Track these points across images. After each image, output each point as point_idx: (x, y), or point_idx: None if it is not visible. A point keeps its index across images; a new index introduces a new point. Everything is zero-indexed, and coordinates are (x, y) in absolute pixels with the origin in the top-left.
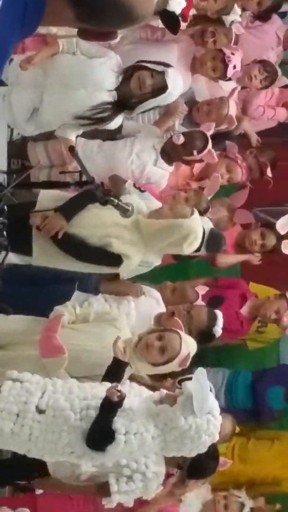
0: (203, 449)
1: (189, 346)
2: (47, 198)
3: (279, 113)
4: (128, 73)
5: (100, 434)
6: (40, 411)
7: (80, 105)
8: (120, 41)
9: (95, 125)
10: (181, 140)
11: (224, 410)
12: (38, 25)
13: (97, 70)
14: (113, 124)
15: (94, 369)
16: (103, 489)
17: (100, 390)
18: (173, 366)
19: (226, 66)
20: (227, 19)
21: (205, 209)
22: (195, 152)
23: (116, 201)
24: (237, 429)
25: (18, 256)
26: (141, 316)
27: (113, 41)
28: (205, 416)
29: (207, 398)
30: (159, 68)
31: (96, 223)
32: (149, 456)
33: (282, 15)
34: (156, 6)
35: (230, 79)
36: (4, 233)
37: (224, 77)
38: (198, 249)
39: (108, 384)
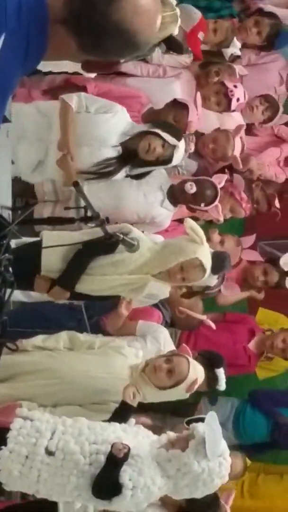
0: (213, 491)
1: (197, 371)
2: (52, 239)
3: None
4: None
5: (106, 486)
6: (50, 453)
7: (84, 162)
8: (121, 79)
9: (100, 178)
10: (193, 189)
11: (233, 444)
12: (41, 59)
13: (101, 127)
14: (118, 176)
15: (102, 395)
16: None
17: (110, 432)
18: (180, 391)
19: (229, 100)
20: (227, 52)
21: None
22: (202, 204)
23: (122, 236)
24: (249, 462)
25: (24, 294)
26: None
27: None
28: (217, 459)
29: (219, 442)
30: (172, 140)
31: (103, 288)
32: (154, 502)
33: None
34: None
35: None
36: (10, 269)
37: (228, 110)
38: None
39: (117, 426)
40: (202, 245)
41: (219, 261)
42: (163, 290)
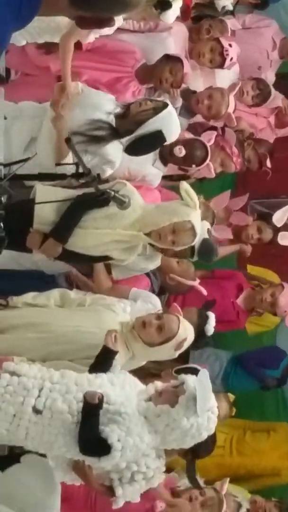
0: (199, 441)
1: (187, 330)
2: (45, 194)
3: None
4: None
5: (92, 443)
6: (37, 411)
7: (76, 122)
8: (113, 34)
9: (89, 143)
10: (182, 153)
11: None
12: (35, 14)
13: (94, 96)
14: (114, 157)
15: (92, 350)
16: (108, 489)
17: (97, 387)
18: (169, 349)
19: (224, 59)
20: (219, 3)
21: (211, 223)
22: (193, 165)
23: (113, 193)
24: (232, 397)
25: (12, 261)
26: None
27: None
28: (206, 414)
29: (209, 398)
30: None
31: (96, 243)
32: (148, 454)
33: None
34: None
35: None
36: (1, 224)
37: (220, 68)
38: (192, 256)
39: (104, 378)
40: (195, 210)
41: (207, 251)
42: (154, 263)
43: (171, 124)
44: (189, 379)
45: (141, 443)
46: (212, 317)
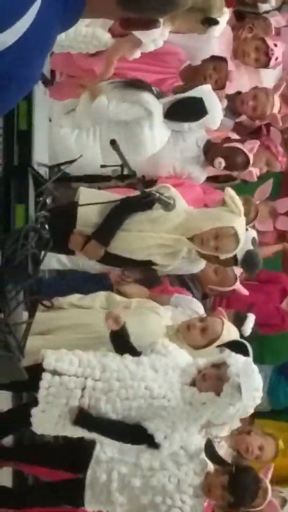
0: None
1: (231, 332)
2: (88, 196)
3: None
4: None
5: (134, 435)
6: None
7: None
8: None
9: (126, 87)
10: (222, 166)
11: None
12: (80, 15)
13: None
14: (153, 107)
15: None
16: None
17: (139, 379)
18: (213, 351)
19: (269, 58)
20: (262, 7)
21: (253, 218)
22: (235, 172)
23: (158, 194)
24: (281, 445)
25: (57, 261)
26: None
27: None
28: (251, 395)
29: (254, 381)
30: None
31: (139, 247)
32: (185, 490)
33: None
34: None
35: None
36: (46, 226)
37: (265, 67)
38: (235, 264)
39: (146, 366)
40: (239, 217)
41: (251, 263)
42: (198, 267)
43: (212, 97)
44: (232, 362)
45: (188, 436)
46: (250, 318)
